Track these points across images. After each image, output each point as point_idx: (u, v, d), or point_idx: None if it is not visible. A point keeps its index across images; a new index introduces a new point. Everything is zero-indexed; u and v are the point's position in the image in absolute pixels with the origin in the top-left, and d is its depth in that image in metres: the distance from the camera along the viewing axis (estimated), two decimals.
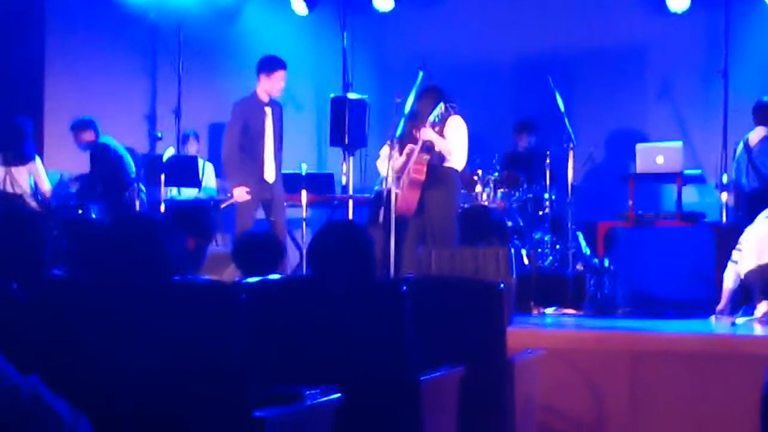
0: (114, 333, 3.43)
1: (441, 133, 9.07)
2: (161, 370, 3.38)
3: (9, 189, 10.22)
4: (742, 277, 8.45)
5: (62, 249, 8.68)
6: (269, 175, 9.49)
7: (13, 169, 10.24)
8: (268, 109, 9.53)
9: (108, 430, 3.07)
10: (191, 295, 3.47)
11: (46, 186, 10.38)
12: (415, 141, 9.17)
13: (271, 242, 5.85)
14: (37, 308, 3.61)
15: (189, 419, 3.36)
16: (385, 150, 9.53)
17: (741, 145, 9.97)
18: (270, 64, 9.59)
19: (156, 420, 3.37)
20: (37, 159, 10.43)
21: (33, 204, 10.17)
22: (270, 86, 9.53)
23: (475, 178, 10.32)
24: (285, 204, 9.68)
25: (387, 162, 9.14)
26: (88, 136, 10.68)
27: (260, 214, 9.76)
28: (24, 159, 10.32)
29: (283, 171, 9.79)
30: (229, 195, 9.75)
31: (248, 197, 9.38)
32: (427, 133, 9.03)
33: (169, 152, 10.50)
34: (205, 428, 3.35)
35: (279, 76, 9.54)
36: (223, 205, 10.15)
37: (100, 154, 10.57)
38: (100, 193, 10.42)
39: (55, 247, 9.11)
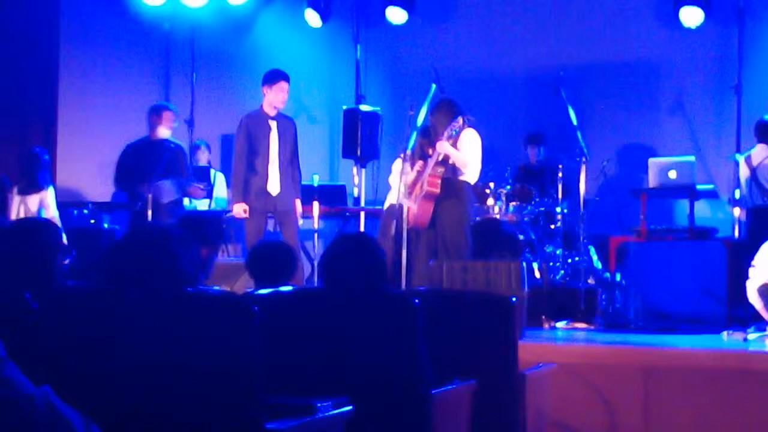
0: (126, 343, 3.43)
1: (455, 146, 9.07)
2: (174, 380, 3.37)
3: (21, 216, 10.26)
4: (753, 293, 8.42)
5: (74, 259, 8.71)
6: (273, 187, 9.51)
7: (28, 198, 10.32)
8: (273, 123, 9.56)
9: None
10: (204, 306, 3.47)
11: (52, 213, 10.37)
12: (426, 155, 9.17)
13: (284, 251, 5.85)
14: (50, 318, 3.61)
15: (202, 430, 3.36)
16: (396, 165, 9.53)
17: (742, 161, 9.97)
18: (272, 77, 9.64)
19: (169, 429, 3.37)
20: (51, 189, 10.46)
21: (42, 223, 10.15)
22: (273, 98, 9.57)
23: (487, 191, 10.31)
24: (297, 216, 9.67)
25: (399, 177, 9.14)
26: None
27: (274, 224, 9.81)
28: (38, 187, 10.36)
29: None
30: (229, 209, 9.82)
31: (245, 215, 9.45)
32: (443, 147, 9.01)
33: None
34: None
35: (280, 87, 9.57)
36: (225, 216, 10.19)
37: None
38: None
39: (67, 257, 9.13)
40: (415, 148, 9.18)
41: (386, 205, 9.81)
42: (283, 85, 9.61)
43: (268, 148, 9.54)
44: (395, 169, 9.58)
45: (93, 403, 2.92)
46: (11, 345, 2.77)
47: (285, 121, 9.69)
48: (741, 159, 10.04)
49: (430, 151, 9.17)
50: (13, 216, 10.25)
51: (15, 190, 10.37)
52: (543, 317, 9.22)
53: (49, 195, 10.45)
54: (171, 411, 3.39)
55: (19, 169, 10.59)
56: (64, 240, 9.66)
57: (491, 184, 10.34)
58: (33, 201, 10.36)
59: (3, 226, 9.01)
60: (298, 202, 9.66)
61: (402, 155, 9.21)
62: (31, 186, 10.37)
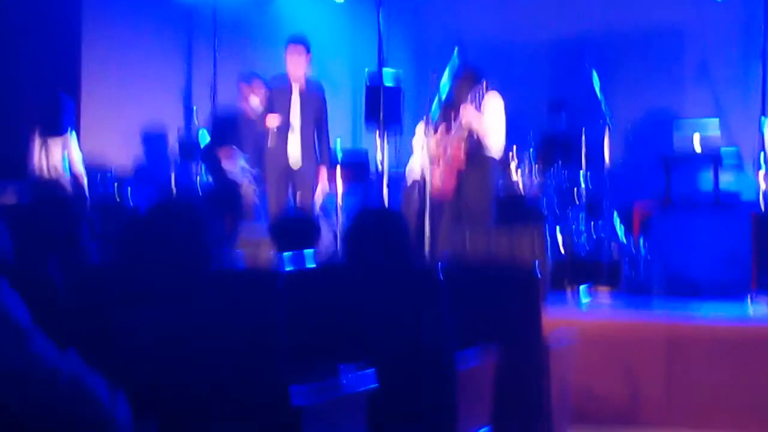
0: (151, 319, 3.44)
1: (478, 110, 8.95)
2: (199, 355, 3.39)
3: (44, 164, 10.03)
4: None
5: (97, 234, 8.71)
6: (294, 155, 9.46)
7: (50, 141, 10.01)
8: (295, 87, 9.47)
9: (145, 412, 3.08)
10: (229, 283, 3.48)
11: (79, 167, 10.10)
12: (449, 122, 9.11)
13: (306, 221, 5.86)
14: (74, 291, 3.63)
15: (227, 406, 3.38)
16: (420, 127, 9.49)
17: (766, 126, 9.93)
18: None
19: (194, 405, 3.38)
20: (73, 134, 10.14)
21: (68, 189, 10.05)
22: (287, 65, 9.49)
23: (511, 153, 10.25)
24: (315, 182, 9.60)
25: (422, 140, 9.09)
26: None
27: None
28: (58, 130, 10.01)
29: None
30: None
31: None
32: (467, 112, 8.92)
33: (205, 137, 10.50)
34: (243, 415, 3.36)
35: (288, 52, 9.48)
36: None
37: None
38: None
39: (91, 231, 9.13)
40: (438, 114, 9.12)
41: (409, 169, 9.75)
42: (287, 49, 9.48)
43: (289, 116, 9.48)
44: (419, 131, 9.51)
45: (116, 379, 2.94)
46: (37, 319, 2.79)
47: (307, 89, 9.58)
48: (765, 121, 9.99)
49: (453, 115, 9.10)
50: (36, 162, 9.96)
51: (36, 134, 10.03)
52: (565, 281, 9.18)
53: (73, 143, 10.11)
54: (196, 384, 3.40)
55: (39, 112, 10.29)
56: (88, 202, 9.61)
57: (514, 147, 10.27)
58: (56, 146, 10.02)
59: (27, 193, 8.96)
60: (322, 170, 9.60)
61: (425, 119, 9.15)
62: (52, 128, 10.01)
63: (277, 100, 9.51)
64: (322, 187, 9.67)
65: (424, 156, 8.97)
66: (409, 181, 9.63)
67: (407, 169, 9.84)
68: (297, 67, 9.50)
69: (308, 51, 9.59)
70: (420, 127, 9.51)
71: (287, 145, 9.46)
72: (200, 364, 3.39)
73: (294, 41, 9.52)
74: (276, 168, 9.46)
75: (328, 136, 9.66)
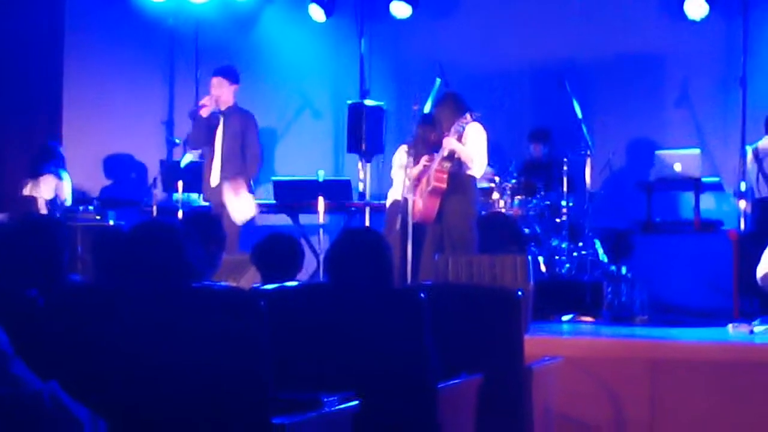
0: (134, 338, 3.43)
1: (460, 140, 9.05)
2: (181, 375, 3.38)
3: (31, 195, 10.36)
4: (759, 281, 8.37)
5: (79, 256, 8.71)
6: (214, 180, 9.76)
7: (39, 178, 10.43)
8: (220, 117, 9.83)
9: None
10: (211, 301, 3.47)
11: (64, 196, 10.55)
12: (429, 145, 9.14)
13: (288, 243, 5.84)
14: (56, 314, 3.61)
15: (208, 425, 3.36)
16: (397, 158, 9.53)
17: (750, 153, 9.98)
18: None
19: (176, 425, 3.37)
20: (65, 174, 10.59)
21: (44, 210, 10.24)
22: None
23: (492, 185, 10.30)
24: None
25: (402, 170, 9.13)
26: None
27: (279, 219, 9.83)
28: (43, 172, 10.56)
29: (301, 177, 9.93)
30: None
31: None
32: (450, 142, 8.98)
33: (187, 158, 10.52)
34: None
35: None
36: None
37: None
38: None
39: (72, 253, 9.15)
40: (417, 136, 9.17)
41: (389, 201, 9.79)
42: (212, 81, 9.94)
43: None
44: (396, 163, 9.57)
45: (99, 399, 2.93)
46: (18, 342, 2.78)
47: (233, 116, 9.85)
48: (749, 150, 10.04)
49: (433, 137, 9.14)
50: (23, 193, 10.48)
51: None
52: (548, 311, 9.20)
53: (61, 181, 10.57)
54: (178, 404, 3.39)
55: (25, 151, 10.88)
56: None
57: (496, 178, 10.33)
58: (45, 183, 10.50)
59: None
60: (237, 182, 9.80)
61: (405, 148, 9.21)
62: (37, 172, 10.52)
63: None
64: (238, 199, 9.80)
65: (405, 181, 9.00)
66: (390, 209, 9.63)
67: (387, 199, 9.84)
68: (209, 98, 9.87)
69: (232, 81, 9.96)
70: (397, 158, 9.54)
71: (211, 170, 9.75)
72: (182, 382, 3.37)
73: (215, 73, 9.97)
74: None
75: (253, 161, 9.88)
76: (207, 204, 10.05)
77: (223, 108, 9.82)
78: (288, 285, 4.59)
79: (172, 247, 3.56)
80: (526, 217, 10.28)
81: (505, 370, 5.03)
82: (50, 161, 10.66)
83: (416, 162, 9.13)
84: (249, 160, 9.83)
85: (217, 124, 9.80)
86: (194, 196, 11.16)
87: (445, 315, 4.70)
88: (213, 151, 9.80)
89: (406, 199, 8.98)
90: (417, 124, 9.18)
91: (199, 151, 10.23)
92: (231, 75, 9.99)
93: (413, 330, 4.15)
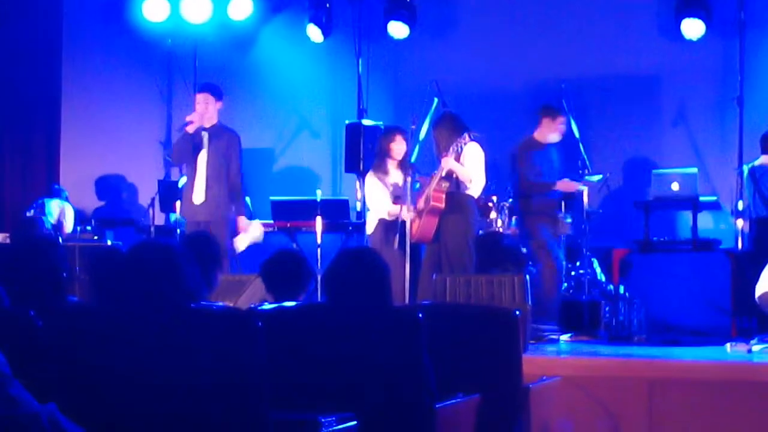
0: (132, 359, 3.43)
1: (458, 160, 9.09)
2: (179, 395, 3.37)
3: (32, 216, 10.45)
4: (757, 300, 8.38)
5: (77, 276, 8.73)
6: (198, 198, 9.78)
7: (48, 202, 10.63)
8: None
9: None
10: (209, 322, 3.48)
11: (66, 220, 10.70)
12: (390, 156, 9.29)
13: (295, 261, 5.83)
14: (55, 334, 3.61)
15: None
16: (370, 183, 9.54)
17: (746, 173, 10.01)
18: None
19: None
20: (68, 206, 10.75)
21: (44, 230, 10.30)
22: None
23: (490, 204, 10.31)
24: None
25: (382, 190, 9.23)
26: None
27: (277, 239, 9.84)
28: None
29: (299, 197, 9.92)
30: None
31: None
32: (448, 163, 9.03)
33: (184, 179, 10.53)
34: None
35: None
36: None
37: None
38: None
39: (70, 273, 9.18)
40: (380, 150, 9.43)
41: (370, 228, 9.71)
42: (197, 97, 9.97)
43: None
44: (371, 189, 9.58)
45: (97, 419, 2.92)
46: (16, 363, 2.78)
47: (219, 134, 9.88)
48: (745, 169, 10.07)
49: (392, 147, 9.29)
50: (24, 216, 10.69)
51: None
52: (547, 330, 9.20)
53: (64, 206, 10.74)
54: (176, 427, 3.39)
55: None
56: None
57: (494, 198, 10.34)
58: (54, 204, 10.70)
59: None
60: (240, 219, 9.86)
61: (371, 173, 9.43)
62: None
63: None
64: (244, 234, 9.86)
65: (384, 200, 9.09)
66: (370, 230, 9.63)
67: (368, 226, 9.80)
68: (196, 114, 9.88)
69: (218, 98, 10.01)
70: (369, 182, 9.56)
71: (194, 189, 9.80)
72: (180, 403, 3.37)
73: (200, 90, 10.02)
74: None
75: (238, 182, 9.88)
76: (182, 220, 10.05)
77: (207, 125, 9.81)
78: (286, 305, 4.59)
79: (169, 267, 3.57)
80: (523, 237, 10.28)
81: (503, 390, 5.03)
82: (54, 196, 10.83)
83: (385, 173, 9.26)
84: (232, 180, 9.81)
85: (201, 141, 9.79)
86: None
87: (443, 335, 4.70)
88: (195, 168, 9.79)
89: (403, 221, 9.01)
90: (378, 137, 9.30)
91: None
92: (216, 92, 10.02)
93: (411, 350, 4.15)
